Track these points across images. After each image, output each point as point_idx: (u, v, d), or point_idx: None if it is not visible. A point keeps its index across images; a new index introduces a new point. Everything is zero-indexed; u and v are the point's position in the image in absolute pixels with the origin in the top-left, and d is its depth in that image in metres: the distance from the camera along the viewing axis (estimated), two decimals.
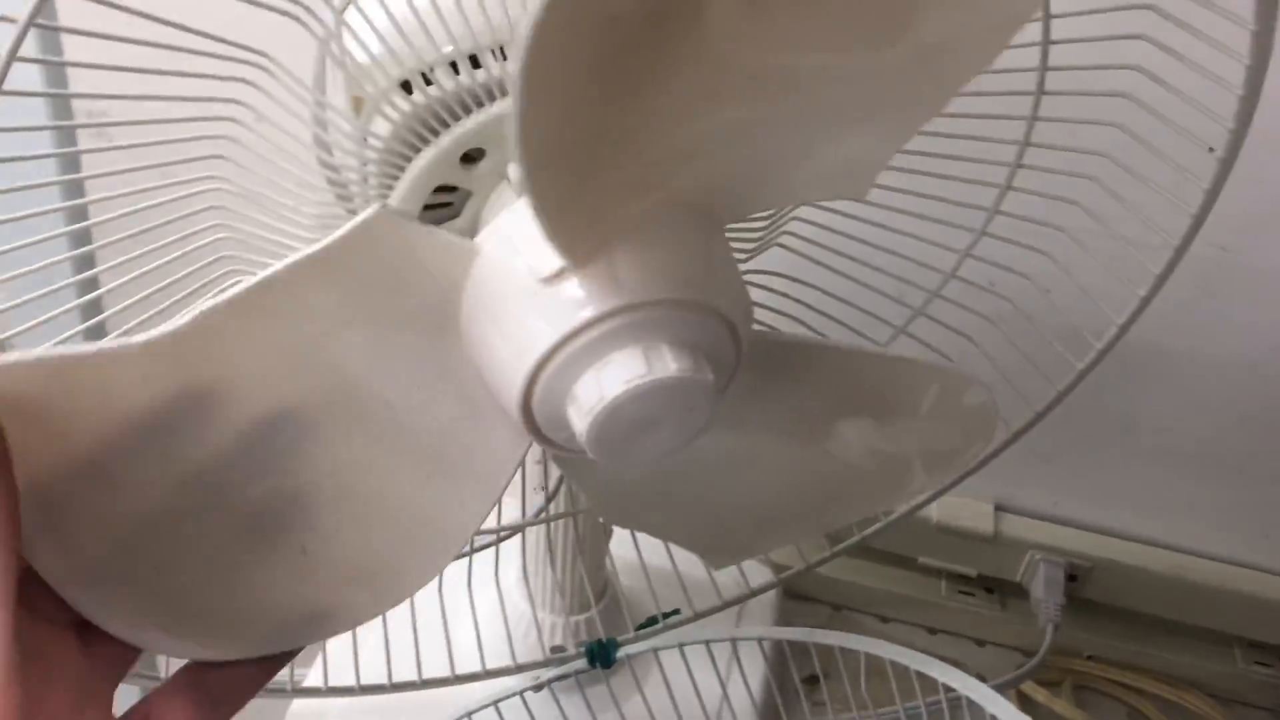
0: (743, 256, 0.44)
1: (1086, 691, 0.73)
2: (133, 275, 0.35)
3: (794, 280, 0.46)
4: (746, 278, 0.44)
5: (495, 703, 0.54)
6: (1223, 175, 0.37)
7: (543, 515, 0.51)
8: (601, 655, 0.55)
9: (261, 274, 0.26)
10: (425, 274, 0.29)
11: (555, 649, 0.56)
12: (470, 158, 0.35)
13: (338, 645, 0.57)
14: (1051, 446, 0.69)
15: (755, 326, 0.44)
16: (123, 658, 0.29)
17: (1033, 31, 0.37)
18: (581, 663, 0.55)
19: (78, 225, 0.35)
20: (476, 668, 0.53)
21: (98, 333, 0.35)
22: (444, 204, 0.37)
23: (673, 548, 0.52)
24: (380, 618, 0.50)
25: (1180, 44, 0.35)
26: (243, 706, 0.32)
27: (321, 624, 0.33)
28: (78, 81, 0.33)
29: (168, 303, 0.36)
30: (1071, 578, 0.71)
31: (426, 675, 0.52)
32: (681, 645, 0.53)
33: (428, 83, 0.34)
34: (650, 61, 0.24)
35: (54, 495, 0.27)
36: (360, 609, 0.34)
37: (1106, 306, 0.43)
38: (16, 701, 0.23)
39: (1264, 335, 0.63)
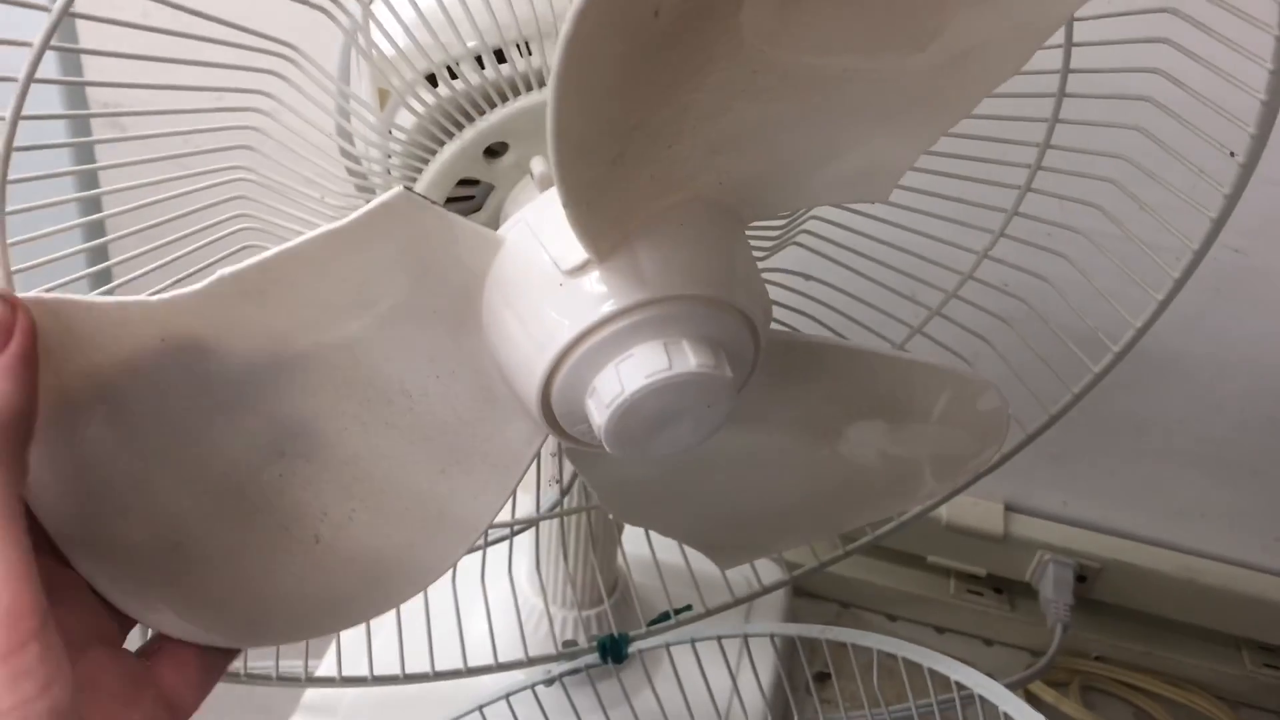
0: (761, 254, 0.44)
1: (1094, 692, 0.73)
2: (156, 265, 0.35)
3: (811, 279, 0.46)
4: (764, 276, 0.44)
5: (507, 696, 0.54)
6: (1243, 180, 0.37)
7: (557, 509, 0.51)
8: (613, 650, 0.55)
9: (278, 247, 0.26)
10: (448, 262, 0.29)
11: (567, 643, 0.56)
12: (493, 151, 0.35)
13: (351, 636, 0.57)
14: (1062, 447, 0.69)
15: (773, 325, 0.44)
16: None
17: (1055, 34, 0.37)
18: (593, 657, 0.55)
19: (103, 214, 0.35)
20: (489, 660, 0.53)
21: None
22: (466, 197, 0.37)
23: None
24: (394, 609, 0.51)
25: (1203, 48, 0.35)
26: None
27: (335, 615, 0.33)
28: (105, 72, 0.33)
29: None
30: (1081, 578, 0.71)
31: (439, 667, 0.52)
32: (693, 640, 0.54)
33: (453, 76, 0.34)
34: (685, 57, 0.25)
35: (68, 464, 0.26)
36: (374, 601, 0.33)
37: (1123, 309, 0.43)
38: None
39: (1276, 338, 0.63)
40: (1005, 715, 0.42)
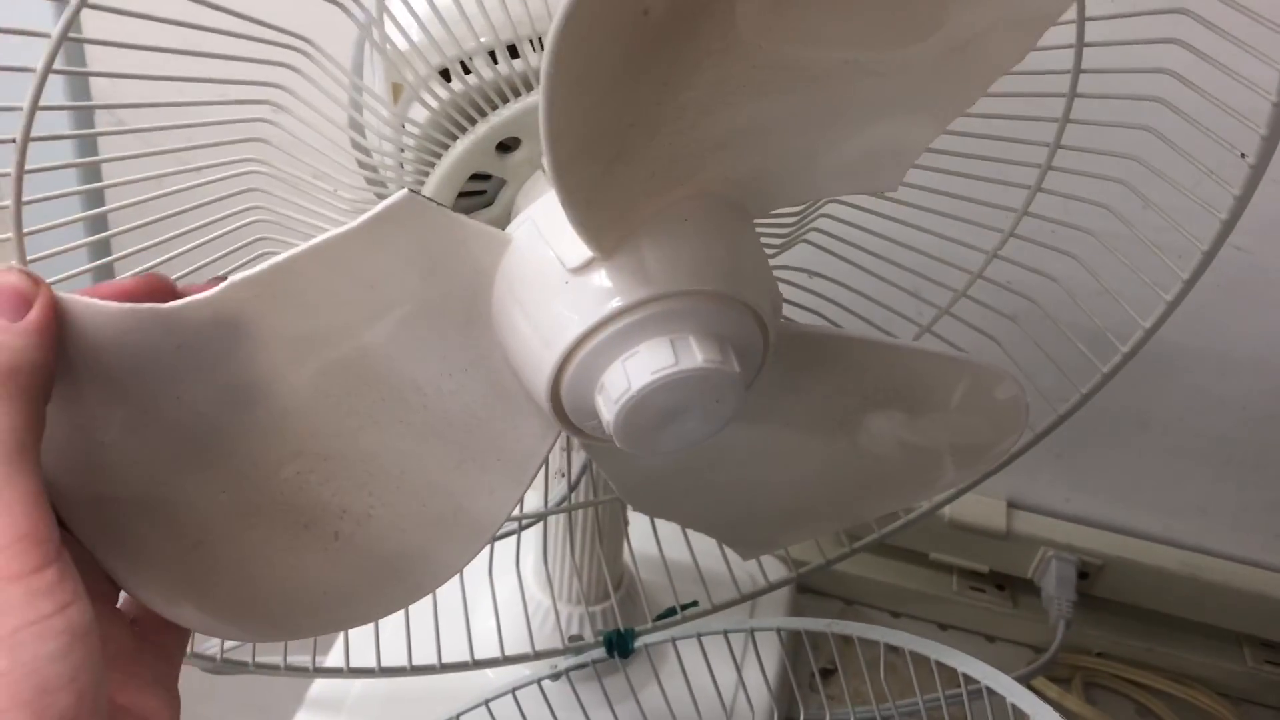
0: (771, 251, 0.44)
1: (1096, 688, 0.73)
2: (170, 255, 0.36)
3: (820, 276, 0.46)
4: (775, 272, 0.44)
5: (513, 690, 0.54)
6: (1254, 181, 0.37)
7: (564, 504, 0.52)
8: (619, 644, 0.55)
9: (288, 252, 0.26)
10: (457, 262, 0.29)
11: (573, 638, 0.56)
12: (506, 146, 0.35)
13: (359, 628, 0.57)
14: (1065, 443, 0.69)
15: (783, 320, 0.44)
16: (174, 641, 0.30)
17: (1067, 33, 0.37)
18: (599, 652, 0.55)
19: (116, 206, 0.36)
20: (495, 654, 0.53)
21: None
22: (478, 192, 0.37)
23: (692, 540, 0.52)
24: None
25: (1215, 49, 0.35)
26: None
27: (354, 611, 0.34)
28: (123, 64, 0.33)
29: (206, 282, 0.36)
30: (1083, 575, 0.71)
31: (446, 660, 0.52)
32: (700, 635, 0.54)
33: (466, 71, 0.34)
34: (680, 54, 0.25)
35: (90, 465, 0.27)
36: (394, 596, 0.34)
37: (1132, 309, 0.43)
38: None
39: (1279, 335, 0.63)
40: (1013, 707, 0.42)
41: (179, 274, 0.36)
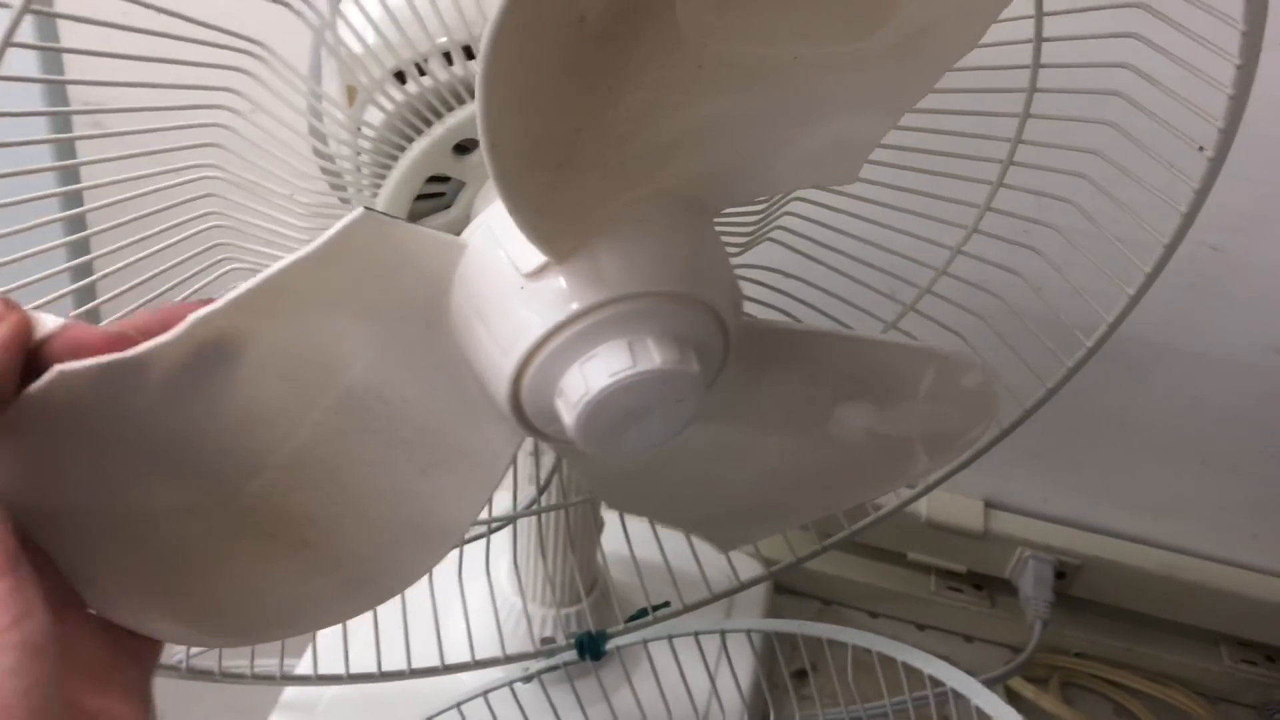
0: (734, 250, 0.44)
1: (1074, 688, 0.73)
2: (128, 261, 0.35)
3: (786, 275, 0.46)
4: (739, 272, 0.44)
5: (485, 693, 0.54)
6: (1212, 175, 0.37)
7: (534, 507, 0.51)
8: (591, 647, 0.55)
9: (253, 280, 0.26)
10: (413, 270, 0.29)
11: (545, 640, 0.56)
12: (463, 148, 0.35)
13: (327, 634, 0.57)
14: (1042, 444, 0.69)
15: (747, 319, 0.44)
16: (148, 647, 0.29)
17: (1026, 29, 0.37)
18: (571, 654, 0.55)
19: (73, 211, 0.35)
20: (466, 658, 0.53)
21: (92, 319, 0.35)
22: (437, 194, 0.37)
23: (663, 540, 0.52)
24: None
25: (1172, 43, 0.35)
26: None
27: (324, 613, 0.34)
28: (72, 68, 0.33)
29: (164, 288, 0.36)
30: (1060, 575, 0.71)
31: (416, 665, 0.52)
32: (670, 637, 0.54)
33: (422, 73, 0.34)
34: (623, 59, 0.24)
35: (56, 482, 0.27)
36: (363, 599, 0.34)
37: (1097, 304, 0.43)
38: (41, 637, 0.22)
39: (1255, 334, 0.64)
40: (978, 709, 0.42)
41: (139, 279, 0.36)
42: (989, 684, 0.44)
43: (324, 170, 0.37)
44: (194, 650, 0.46)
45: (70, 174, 0.38)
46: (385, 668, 0.52)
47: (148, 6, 0.29)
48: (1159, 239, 0.40)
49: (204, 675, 0.47)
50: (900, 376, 0.38)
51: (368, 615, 0.50)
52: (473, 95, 0.34)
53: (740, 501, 0.43)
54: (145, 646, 0.29)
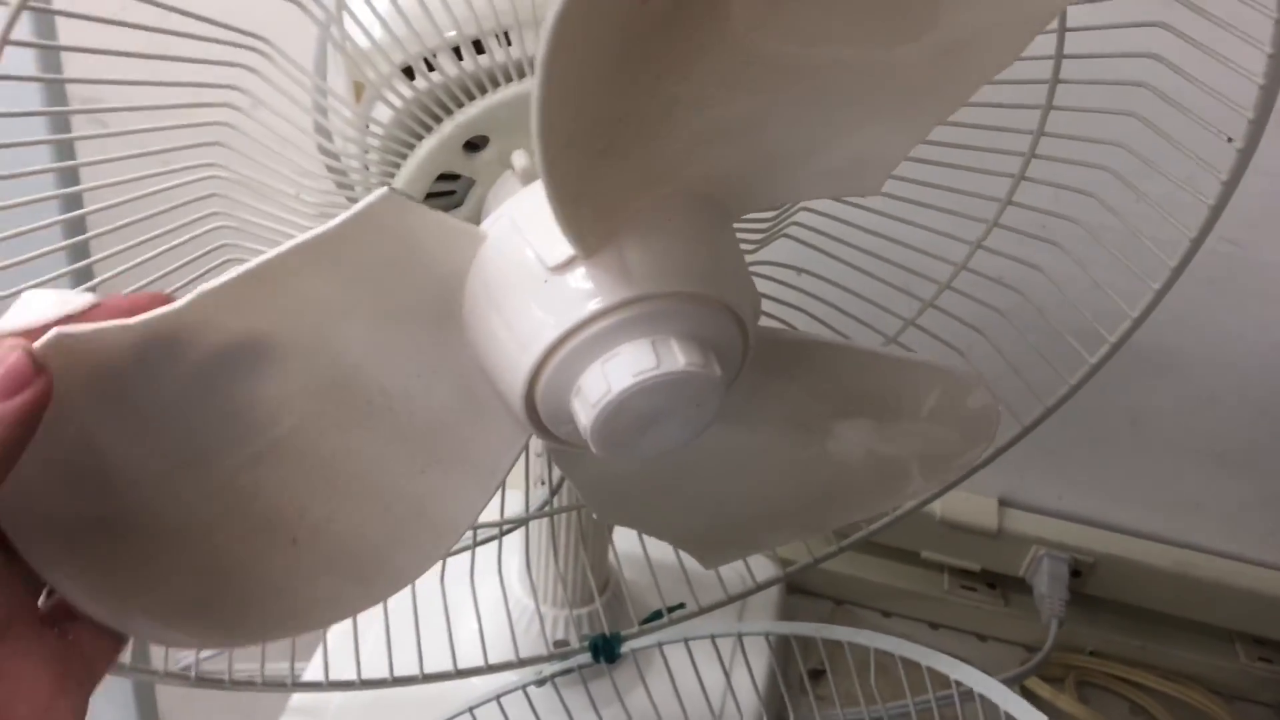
0: (750, 247, 0.43)
1: (1090, 687, 0.72)
2: (131, 265, 0.35)
3: (802, 271, 0.45)
4: (753, 268, 0.43)
5: (498, 697, 0.53)
6: (1241, 166, 0.36)
7: (546, 508, 0.51)
8: (605, 649, 0.54)
9: (262, 257, 0.25)
10: (429, 260, 0.28)
11: (558, 643, 0.56)
12: (474, 145, 0.34)
13: (338, 638, 0.56)
14: (1057, 441, 0.68)
15: (763, 320, 0.43)
16: (101, 651, 0.28)
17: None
18: (585, 657, 0.54)
19: (75, 213, 0.35)
20: (479, 662, 0.52)
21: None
22: (447, 192, 0.36)
23: None
24: (382, 610, 0.50)
25: (1200, 32, 0.35)
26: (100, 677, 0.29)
27: (312, 614, 0.33)
28: (72, 66, 0.32)
29: (168, 291, 0.35)
30: (1075, 573, 0.70)
31: (428, 669, 0.51)
32: (687, 639, 0.53)
33: (430, 68, 0.33)
34: (674, 47, 0.24)
35: (37, 475, 0.26)
36: (352, 600, 0.33)
37: (1120, 299, 0.42)
38: None
39: (1271, 331, 0.63)
40: (1006, 714, 0.41)
41: (142, 282, 0.35)
42: (1007, 684, 0.44)
43: (330, 169, 0.36)
44: (204, 655, 0.46)
45: (70, 175, 0.37)
46: (397, 673, 0.51)
47: (147, 2, 0.28)
48: (1186, 233, 0.39)
49: (214, 683, 0.46)
50: (906, 393, 0.38)
51: (378, 618, 0.50)
52: (483, 91, 0.33)
53: (729, 517, 0.42)
54: (99, 651, 0.28)
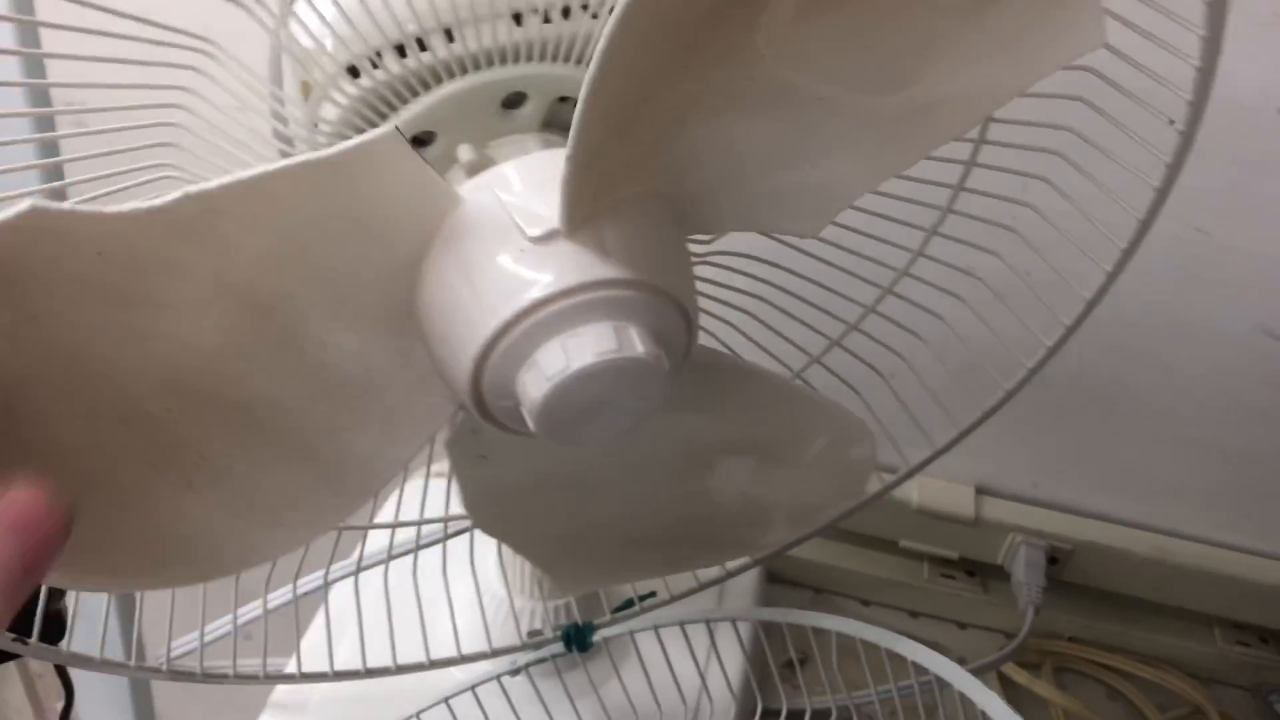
0: (706, 238, 0.43)
1: (1067, 673, 0.73)
2: None
3: (760, 260, 0.45)
4: (711, 258, 0.44)
5: (472, 687, 0.54)
6: (1184, 149, 0.36)
7: None
8: (578, 639, 0.55)
9: (247, 171, 0.25)
10: (403, 210, 0.28)
11: (532, 633, 0.56)
12: (420, 141, 0.35)
13: (313, 632, 0.57)
14: (1032, 429, 0.69)
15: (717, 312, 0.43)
16: None
17: None
18: (558, 647, 0.55)
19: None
20: (452, 653, 0.53)
21: None
22: None
23: None
24: (355, 603, 0.50)
25: (1141, 17, 0.35)
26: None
27: (200, 564, 0.32)
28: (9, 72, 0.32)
29: None
30: (1052, 560, 0.71)
31: (402, 661, 0.52)
32: (657, 627, 0.53)
33: (375, 67, 0.33)
34: (708, 43, 0.25)
35: None
36: (243, 555, 0.32)
37: (1077, 285, 0.42)
38: None
39: (1244, 316, 0.63)
40: (960, 695, 0.41)
41: None
42: (982, 670, 0.44)
43: None
44: (175, 651, 0.46)
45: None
46: (370, 664, 0.51)
47: (84, 5, 0.29)
48: (1135, 215, 0.39)
49: (185, 676, 0.46)
50: (798, 434, 0.38)
51: (351, 610, 0.50)
52: (426, 87, 0.34)
53: (596, 540, 0.42)
54: None
